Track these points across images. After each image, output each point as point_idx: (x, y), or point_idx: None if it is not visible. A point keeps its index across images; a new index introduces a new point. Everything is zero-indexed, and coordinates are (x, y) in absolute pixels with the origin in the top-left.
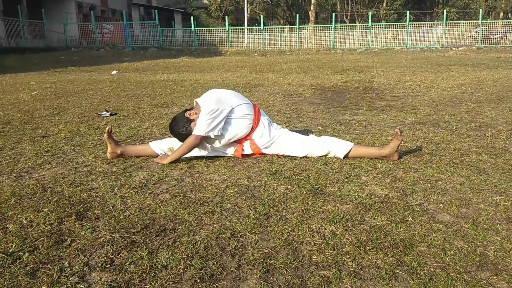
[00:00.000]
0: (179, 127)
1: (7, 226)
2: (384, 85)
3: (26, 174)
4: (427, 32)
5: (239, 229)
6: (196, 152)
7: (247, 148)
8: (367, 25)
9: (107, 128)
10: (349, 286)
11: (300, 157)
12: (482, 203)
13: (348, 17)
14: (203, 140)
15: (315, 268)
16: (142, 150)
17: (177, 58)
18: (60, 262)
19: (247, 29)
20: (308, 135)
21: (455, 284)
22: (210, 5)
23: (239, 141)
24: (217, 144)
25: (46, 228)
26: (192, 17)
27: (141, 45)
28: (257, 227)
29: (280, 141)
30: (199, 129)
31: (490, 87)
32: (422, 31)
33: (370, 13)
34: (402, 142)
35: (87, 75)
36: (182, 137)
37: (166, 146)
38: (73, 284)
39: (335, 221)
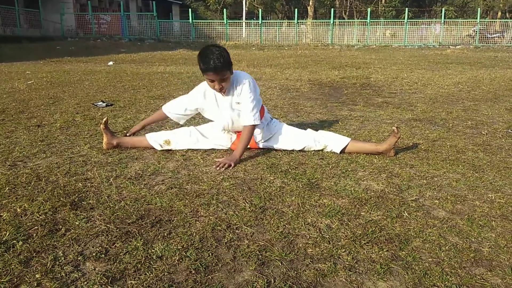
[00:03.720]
0: (228, 60)
1: (1, 214)
2: (382, 81)
3: (20, 163)
4: (425, 30)
5: (234, 222)
6: (192, 145)
7: None
8: (365, 22)
9: (104, 120)
10: (344, 280)
11: (297, 151)
12: (477, 200)
13: (347, 13)
14: (202, 131)
15: (310, 261)
16: (138, 142)
17: (174, 51)
18: (54, 251)
19: (245, 23)
20: (305, 129)
21: (450, 279)
22: None
23: (237, 135)
24: (214, 134)
25: (40, 217)
26: (190, 10)
27: (138, 36)
28: (253, 219)
29: (277, 135)
30: (254, 117)
31: (487, 86)
32: (420, 29)
33: (368, 9)
34: (399, 139)
35: (83, 65)
36: (222, 66)
37: (162, 139)
38: (67, 273)
39: (331, 215)
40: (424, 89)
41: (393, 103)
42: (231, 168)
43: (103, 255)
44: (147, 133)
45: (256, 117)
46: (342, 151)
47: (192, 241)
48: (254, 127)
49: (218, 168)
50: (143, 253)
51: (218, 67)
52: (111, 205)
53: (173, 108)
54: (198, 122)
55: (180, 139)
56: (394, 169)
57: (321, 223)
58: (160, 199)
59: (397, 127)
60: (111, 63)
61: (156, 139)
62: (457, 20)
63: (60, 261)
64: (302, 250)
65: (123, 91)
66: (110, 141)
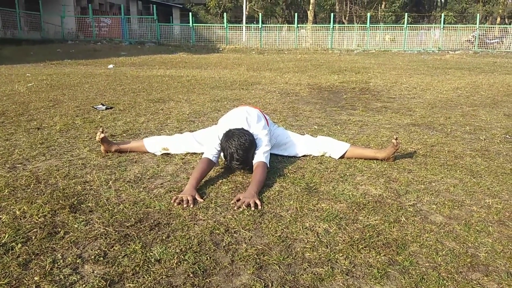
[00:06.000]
0: (251, 154)
1: (0, 216)
2: (381, 86)
3: (20, 165)
4: (424, 35)
5: (233, 225)
6: (193, 149)
7: None
8: (365, 26)
9: (100, 136)
10: (341, 284)
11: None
12: (474, 205)
13: (347, 18)
14: (198, 138)
15: (308, 265)
16: (136, 148)
17: (175, 54)
18: (53, 253)
19: (245, 27)
20: (303, 135)
21: (446, 284)
22: (209, 1)
23: None
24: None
25: (40, 219)
26: (190, 13)
27: (139, 40)
28: (251, 223)
29: (278, 142)
30: (264, 155)
31: (486, 91)
32: (419, 34)
33: (368, 14)
34: (398, 149)
35: (83, 68)
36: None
37: (160, 146)
38: (65, 276)
39: (328, 219)
40: (423, 94)
41: (392, 108)
42: (259, 208)
43: (101, 258)
44: (146, 137)
45: (267, 157)
46: (341, 157)
47: (190, 245)
48: (266, 165)
49: (240, 209)
50: (141, 256)
51: (243, 168)
52: (110, 208)
53: (215, 153)
54: (197, 126)
55: (178, 147)
56: (392, 174)
57: (319, 227)
58: (159, 202)
59: (396, 139)
60: (111, 66)
61: (155, 146)
62: (456, 25)
63: (58, 263)
64: (300, 254)
65: (123, 94)
66: (108, 149)
